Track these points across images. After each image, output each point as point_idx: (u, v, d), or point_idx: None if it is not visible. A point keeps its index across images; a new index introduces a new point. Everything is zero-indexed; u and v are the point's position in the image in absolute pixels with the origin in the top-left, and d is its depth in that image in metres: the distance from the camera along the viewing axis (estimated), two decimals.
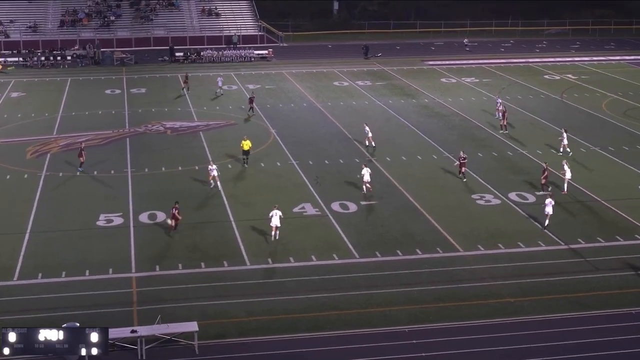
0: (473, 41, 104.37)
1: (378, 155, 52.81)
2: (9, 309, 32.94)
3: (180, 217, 41.05)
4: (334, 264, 37.72)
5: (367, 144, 55.73)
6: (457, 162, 49.86)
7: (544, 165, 48.54)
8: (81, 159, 51.07)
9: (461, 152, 49.89)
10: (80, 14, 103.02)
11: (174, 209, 41.01)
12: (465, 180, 48.89)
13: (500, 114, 61.76)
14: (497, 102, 64.99)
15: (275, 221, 39.87)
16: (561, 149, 54.42)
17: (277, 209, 40.22)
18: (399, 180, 49.55)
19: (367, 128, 56.12)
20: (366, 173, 46.57)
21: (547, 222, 42.01)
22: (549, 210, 41.78)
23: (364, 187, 46.63)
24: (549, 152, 55.05)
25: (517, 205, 45.37)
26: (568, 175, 47.22)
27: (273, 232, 40.10)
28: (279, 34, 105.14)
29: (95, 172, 50.71)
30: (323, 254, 38.64)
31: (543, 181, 47.47)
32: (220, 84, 73.82)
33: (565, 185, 47.24)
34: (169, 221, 41.22)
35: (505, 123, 60.37)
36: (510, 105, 68.81)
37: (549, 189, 46.94)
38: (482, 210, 44.84)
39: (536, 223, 42.66)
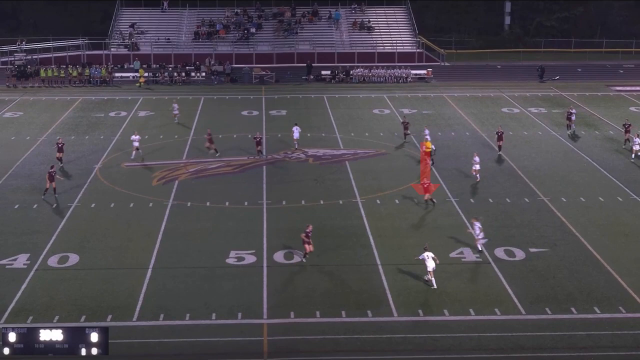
0: None
1: (551, 195, 51.85)
2: (128, 352, 33.86)
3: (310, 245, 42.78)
4: (496, 320, 37.24)
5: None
6: None
7: None
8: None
9: None
10: (218, 26, 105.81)
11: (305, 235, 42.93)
12: None
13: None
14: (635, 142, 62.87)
15: (431, 264, 39.88)
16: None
17: (427, 249, 40.32)
18: (576, 225, 48.59)
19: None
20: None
21: None
22: None
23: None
24: None
25: None
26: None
27: (432, 278, 40.11)
28: (440, 51, 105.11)
29: (227, 203, 51.86)
30: (483, 308, 38.22)
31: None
32: None
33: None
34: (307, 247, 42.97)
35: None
36: None
37: None
38: None
39: None
